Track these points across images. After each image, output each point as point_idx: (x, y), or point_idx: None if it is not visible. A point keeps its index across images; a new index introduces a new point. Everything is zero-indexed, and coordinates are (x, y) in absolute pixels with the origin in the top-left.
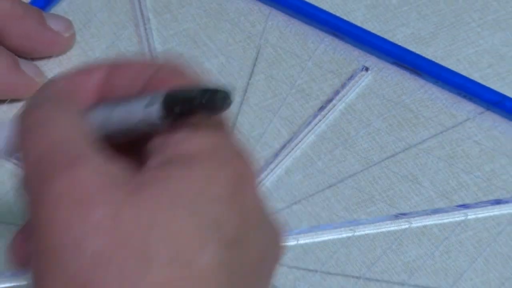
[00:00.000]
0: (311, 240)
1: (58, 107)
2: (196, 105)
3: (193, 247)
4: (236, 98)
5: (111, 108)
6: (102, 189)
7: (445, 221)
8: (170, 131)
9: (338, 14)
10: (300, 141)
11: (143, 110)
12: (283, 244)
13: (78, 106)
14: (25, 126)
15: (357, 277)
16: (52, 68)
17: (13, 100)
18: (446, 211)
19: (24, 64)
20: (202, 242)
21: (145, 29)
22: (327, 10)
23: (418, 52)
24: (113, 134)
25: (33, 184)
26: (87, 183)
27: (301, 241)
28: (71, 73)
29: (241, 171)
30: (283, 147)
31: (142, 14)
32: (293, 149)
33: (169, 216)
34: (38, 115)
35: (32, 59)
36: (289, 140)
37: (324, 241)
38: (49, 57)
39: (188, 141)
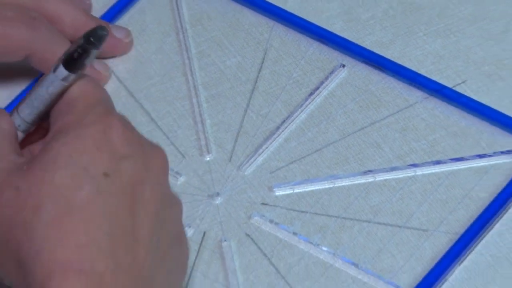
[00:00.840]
0: (303, 190)
1: None
2: (85, 45)
3: (72, 189)
4: (249, 87)
5: (23, 104)
6: (8, 175)
7: (400, 176)
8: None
9: (323, 26)
10: (295, 118)
11: (53, 77)
12: (156, 164)
13: (4, 125)
14: None
15: (336, 217)
16: (116, 64)
17: None
18: (401, 169)
19: (95, 62)
20: (72, 185)
21: (184, 36)
22: (315, 23)
23: (380, 53)
24: (31, 126)
25: None
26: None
27: (296, 190)
28: None
29: (106, 125)
30: (283, 122)
31: (181, 26)
32: (290, 123)
33: (48, 177)
34: None
35: (102, 58)
36: (287, 117)
37: (312, 190)
38: (114, 56)
39: (64, 116)
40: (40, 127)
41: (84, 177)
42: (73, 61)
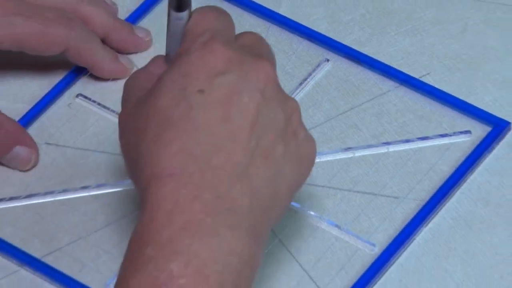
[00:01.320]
0: None
1: (143, 70)
2: None
3: (171, 108)
4: None
5: (167, 41)
6: (133, 107)
7: (375, 152)
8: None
9: (311, 27)
10: None
11: (172, 20)
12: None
13: (153, 69)
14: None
15: (322, 186)
16: (138, 59)
17: (114, 79)
18: (376, 146)
19: (121, 57)
20: (176, 103)
21: None
22: (304, 24)
23: (359, 49)
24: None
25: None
26: (129, 106)
27: None
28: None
29: (206, 48)
30: None
31: None
32: None
33: (155, 100)
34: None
35: (126, 54)
36: None
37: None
38: (136, 52)
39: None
40: None
41: (181, 96)
42: (179, 2)
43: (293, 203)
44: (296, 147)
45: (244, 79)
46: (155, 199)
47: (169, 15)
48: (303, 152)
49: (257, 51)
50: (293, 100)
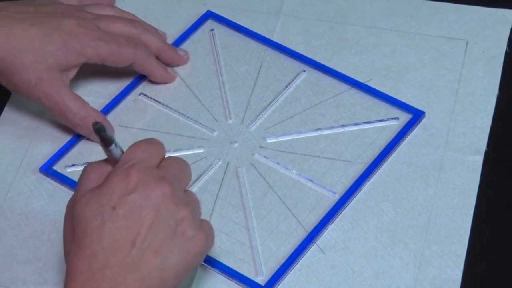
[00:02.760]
0: (282, 139)
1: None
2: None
3: (92, 219)
4: (252, 82)
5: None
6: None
7: (335, 131)
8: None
9: (293, 48)
10: (278, 99)
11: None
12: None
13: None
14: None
15: (300, 154)
16: (180, 70)
17: (164, 83)
18: (336, 127)
19: (169, 68)
20: (95, 216)
21: (216, 55)
22: (289, 47)
23: (325, 64)
24: None
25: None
26: (69, 203)
27: (278, 139)
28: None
29: (122, 173)
30: (271, 101)
31: (215, 49)
32: (275, 102)
33: (83, 210)
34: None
35: (171, 66)
36: (273, 99)
37: (287, 140)
38: (178, 65)
39: None
40: None
41: (99, 211)
42: (104, 142)
43: (281, 165)
44: (184, 243)
45: (146, 198)
46: None
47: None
48: (190, 247)
49: (167, 173)
50: (186, 208)
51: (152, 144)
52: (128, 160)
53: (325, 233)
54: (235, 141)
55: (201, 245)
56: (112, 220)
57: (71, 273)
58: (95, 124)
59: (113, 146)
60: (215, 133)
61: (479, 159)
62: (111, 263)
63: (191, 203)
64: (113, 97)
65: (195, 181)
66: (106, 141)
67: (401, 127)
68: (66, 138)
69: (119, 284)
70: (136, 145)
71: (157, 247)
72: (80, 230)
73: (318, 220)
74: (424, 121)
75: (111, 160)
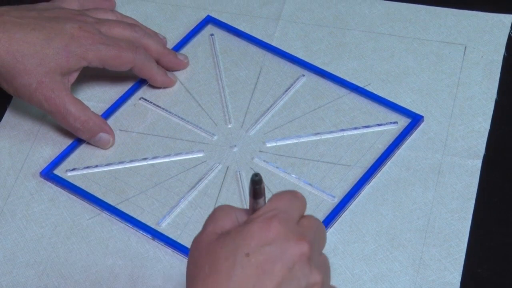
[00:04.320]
0: (282, 143)
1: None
2: (252, 187)
3: (223, 259)
4: (252, 86)
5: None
6: (206, 239)
7: (335, 136)
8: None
9: (292, 53)
10: (278, 103)
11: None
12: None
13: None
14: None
15: (300, 158)
16: (180, 74)
17: (164, 88)
18: (335, 132)
19: (168, 73)
20: (227, 257)
21: (216, 59)
22: (288, 52)
23: (324, 69)
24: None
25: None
26: (205, 234)
27: (278, 144)
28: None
29: (265, 224)
30: (271, 105)
31: (215, 53)
32: (275, 106)
33: (218, 250)
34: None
35: (171, 71)
36: (273, 103)
37: (287, 144)
38: (178, 70)
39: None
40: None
41: (233, 253)
42: (254, 194)
43: (281, 169)
44: None
45: (282, 252)
46: None
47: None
48: None
49: (308, 233)
50: (319, 274)
51: (296, 197)
52: (270, 210)
53: None
54: (235, 145)
55: None
56: (242, 266)
57: None
58: (256, 175)
59: (261, 199)
60: (215, 137)
61: (478, 163)
62: None
63: (325, 269)
64: (113, 101)
65: (195, 185)
66: (258, 194)
67: (400, 131)
68: (66, 142)
69: None
70: (280, 195)
71: None
72: (209, 266)
73: None
74: (422, 125)
75: (250, 209)
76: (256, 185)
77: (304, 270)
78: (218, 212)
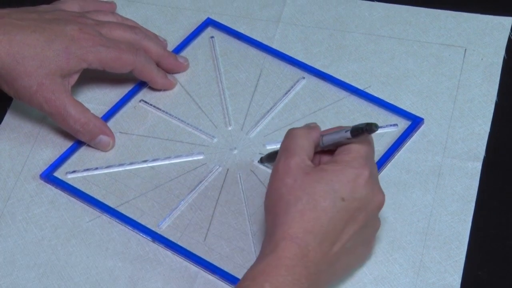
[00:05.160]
0: None
1: (301, 134)
2: (363, 129)
3: (321, 198)
4: (252, 89)
5: (327, 135)
6: (294, 169)
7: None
8: (345, 145)
9: (292, 56)
10: (278, 105)
11: (342, 134)
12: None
13: (312, 135)
14: (288, 137)
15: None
16: (180, 76)
17: (164, 90)
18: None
19: (169, 75)
20: (324, 196)
21: (216, 62)
22: (288, 54)
23: (324, 71)
24: (326, 147)
25: (278, 157)
26: (291, 165)
27: (277, 146)
28: (314, 124)
29: (360, 172)
30: (271, 108)
31: (215, 56)
32: (275, 108)
33: (313, 185)
34: (295, 133)
35: (171, 73)
36: (273, 105)
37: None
38: (179, 72)
39: (343, 155)
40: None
41: (330, 194)
42: (356, 132)
43: None
44: (364, 255)
45: (368, 203)
46: (283, 253)
47: (346, 130)
48: (363, 260)
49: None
50: (379, 221)
51: (372, 143)
52: (360, 155)
53: None
54: (235, 148)
55: (364, 259)
56: (338, 210)
57: (290, 239)
58: (376, 126)
59: (355, 140)
60: (215, 140)
61: (478, 165)
62: (321, 247)
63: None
64: (113, 103)
65: (195, 187)
66: (359, 135)
67: (400, 133)
68: (67, 144)
69: (320, 273)
70: (363, 142)
71: (354, 249)
72: (307, 200)
73: None
74: (423, 128)
75: (335, 135)
76: (370, 131)
77: (375, 220)
78: (294, 143)
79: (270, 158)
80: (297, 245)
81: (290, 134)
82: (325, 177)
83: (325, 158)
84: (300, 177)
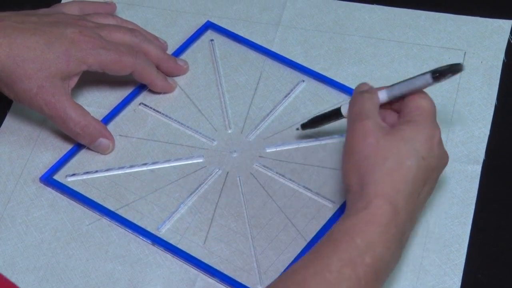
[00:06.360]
0: (281, 149)
1: (368, 97)
2: (447, 70)
3: (405, 157)
4: (252, 92)
5: (397, 85)
6: (374, 130)
7: (335, 141)
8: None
9: (292, 59)
10: (278, 108)
11: (420, 80)
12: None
13: (375, 97)
14: (357, 102)
15: (299, 163)
16: (179, 79)
17: (164, 93)
18: (336, 137)
19: (168, 78)
20: (408, 155)
21: (216, 65)
22: (288, 57)
23: (324, 74)
24: (395, 97)
25: (352, 121)
26: (370, 127)
27: (278, 149)
28: (369, 86)
29: (433, 132)
30: (271, 110)
31: (215, 59)
32: (275, 111)
33: (397, 145)
34: (362, 98)
35: (171, 76)
36: (273, 108)
37: (286, 149)
38: (178, 75)
39: (414, 114)
40: (392, 103)
41: (414, 154)
42: (438, 75)
43: (280, 175)
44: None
45: (441, 161)
46: (376, 211)
47: (423, 74)
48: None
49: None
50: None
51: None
52: (430, 114)
53: None
54: (235, 151)
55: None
56: (420, 168)
57: (383, 197)
58: (461, 65)
59: (434, 83)
60: (215, 143)
61: (478, 169)
62: (407, 206)
63: None
64: (113, 107)
65: (195, 190)
66: (442, 78)
67: None
68: (67, 147)
69: (407, 228)
70: (424, 95)
71: (424, 202)
72: (393, 160)
73: (318, 229)
74: None
75: (406, 84)
76: (455, 72)
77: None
78: (365, 107)
79: (314, 123)
80: (390, 203)
81: (356, 101)
82: (405, 137)
83: (391, 117)
84: (381, 137)
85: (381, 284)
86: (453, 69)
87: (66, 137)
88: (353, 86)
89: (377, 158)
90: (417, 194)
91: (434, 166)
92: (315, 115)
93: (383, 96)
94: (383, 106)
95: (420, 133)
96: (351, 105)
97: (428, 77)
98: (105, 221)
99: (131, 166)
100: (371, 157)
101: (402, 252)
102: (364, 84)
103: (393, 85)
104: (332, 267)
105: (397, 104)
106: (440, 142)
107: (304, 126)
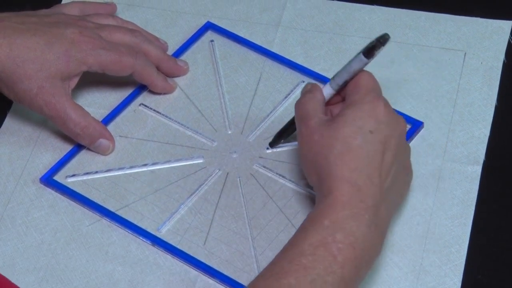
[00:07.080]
0: (281, 149)
1: (309, 97)
2: (376, 42)
3: (352, 138)
4: (252, 93)
5: (337, 76)
6: (317, 126)
7: None
8: (355, 80)
9: (292, 60)
10: (278, 109)
11: (355, 62)
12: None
13: (317, 95)
14: (298, 108)
15: (296, 164)
16: (180, 80)
17: (164, 94)
18: None
19: (168, 79)
20: (353, 135)
21: (216, 65)
22: (288, 58)
23: (324, 75)
24: (340, 86)
25: (298, 125)
26: (313, 125)
27: (277, 150)
28: (312, 85)
29: (375, 104)
30: (271, 111)
31: (215, 59)
32: (275, 112)
33: (341, 130)
34: (303, 102)
35: (171, 77)
36: (273, 109)
37: (285, 150)
38: (178, 76)
39: (352, 96)
40: (336, 96)
41: (359, 132)
42: (369, 50)
43: (280, 175)
44: (406, 184)
45: (394, 127)
46: (337, 193)
47: (356, 56)
48: (406, 190)
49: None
50: (409, 149)
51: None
52: (370, 90)
53: None
54: (235, 151)
55: (409, 185)
56: (370, 142)
57: (339, 180)
58: (386, 34)
59: (370, 60)
60: (215, 143)
61: (478, 169)
62: (372, 181)
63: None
64: (113, 107)
65: (195, 190)
66: (372, 54)
67: None
68: (67, 148)
69: (377, 203)
70: (370, 75)
71: (399, 176)
72: (341, 144)
73: None
74: (422, 132)
75: (345, 71)
76: (383, 43)
77: (405, 144)
78: (306, 110)
79: (279, 137)
80: (347, 182)
81: (299, 104)
82: (347, 120)
83: (336, 109)
84: (325, 130)
85: (364, 261)
86: (381, 40)
87: (66, 138)
88: None
89: (325, 149)
90: (379, 166)
91: (388, 134)
92: (277, 131)
93: (327, 89)
94: (334, 98)
95: (360, 110)
96: (296, 109)
97: (361, 57)
98: (105, 221)
99: (131, 167)
100: (320, 152)
101: (386, 227)
102: (307, 84)
103: (334, 75)
104: (306, 252)
105: (343, 92)
106: (386, 110)
107: (272, 143)
